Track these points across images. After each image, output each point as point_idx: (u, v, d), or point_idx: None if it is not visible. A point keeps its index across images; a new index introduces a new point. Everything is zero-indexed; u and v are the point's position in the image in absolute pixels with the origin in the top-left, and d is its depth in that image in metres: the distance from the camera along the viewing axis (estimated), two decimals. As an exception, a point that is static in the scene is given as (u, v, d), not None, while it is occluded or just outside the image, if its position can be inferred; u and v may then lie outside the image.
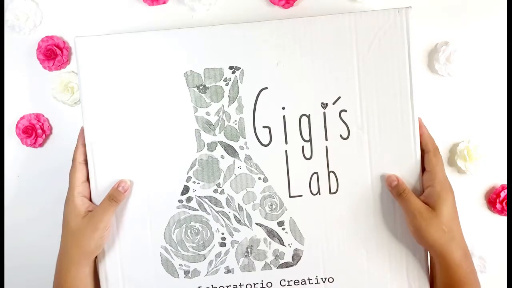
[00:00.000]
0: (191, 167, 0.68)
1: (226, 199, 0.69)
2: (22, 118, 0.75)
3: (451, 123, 0.75)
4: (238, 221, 0.69)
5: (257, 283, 0.69)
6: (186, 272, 0.69)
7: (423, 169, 0.67)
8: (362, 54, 0.66)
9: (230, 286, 0.70)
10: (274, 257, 0.69)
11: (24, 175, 0.76)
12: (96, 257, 0.68)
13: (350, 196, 0.68)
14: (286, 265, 0.69)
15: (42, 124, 0.75)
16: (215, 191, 0.69)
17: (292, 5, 0.74)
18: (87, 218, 0.65)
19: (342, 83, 0.67)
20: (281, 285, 0.69)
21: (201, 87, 0.67)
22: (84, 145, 0.67)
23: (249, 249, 0.69)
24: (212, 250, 0.69)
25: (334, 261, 0.69)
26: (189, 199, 0.69)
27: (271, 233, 0.69)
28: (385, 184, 0.67)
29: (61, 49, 0.74)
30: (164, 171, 0.68)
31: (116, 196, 0.66)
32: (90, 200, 0.68)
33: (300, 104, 0.67)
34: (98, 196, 0.68)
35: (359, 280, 0.69)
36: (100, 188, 0.68)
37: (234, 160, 0.68)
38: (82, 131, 0.68)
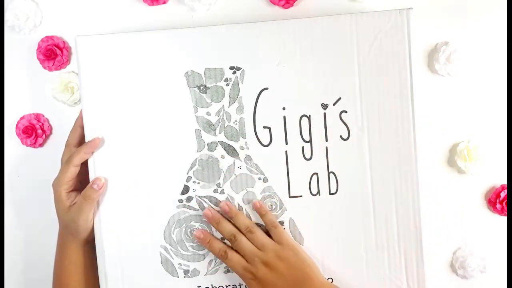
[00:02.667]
0: (191, 167, 0.68)
1: (226, 199, 0.69)
2: (22, 118, 0.75)
3: (451, 123, 0.75)
4: (238, 221, 0.69)
5: (257, 283, 0.70)
6: (186, 272, 0.69)
7: None
8: (362, 55, 0.66)
9: (229, 286, 0.70)
10: (274, 258, 0.69)
11: (24, 175, 0.76)
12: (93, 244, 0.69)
13: (350, 197, 0.68)
14: (286, 265, 0.69)
15: (42, 124, 0.75)
16: (215, 191, 0.69)
17: (292, 5, 0.73)
18: (70, 213, 0.67)
19: (343, 84, 0.67)
20: (280, 285, 0.69)
21: (201, 87, 0.67)
22: (88, 154, 0.67)
23: (249, 249, 0.69)
24: (212, 250, 0.69)
25: (333, 261, 0.69)
26: (189, 199, 0.69)
27: (271, 234, 0.69)
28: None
29: (61, 49, 0.74)
30: (164, 171, 0.68)
31: (91, 194, 0.66)
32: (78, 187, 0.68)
33: (300, 104, 0.67)
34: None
35: (358, 280, 0.69)
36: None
37: (234, 160, 0.68)
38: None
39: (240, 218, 0.67)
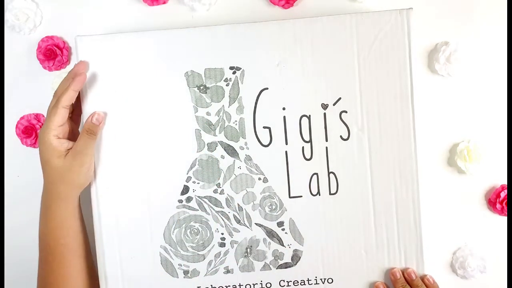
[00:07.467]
0: (191, 167, 0.68)
1: (226, 199, 0.69)
2: (22, 118, 0.75)
3: (451, 123, 0.75)
4: (238, 222, 0.69)
5: (256, 284, 0.69)
6: (186, 272, 0.69)
7: None
8: (362, 55, 0.66)
9: (229, 286, 0.70)
10: (273, 258, 0.69)
11: (24, 175, 0.76)
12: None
13: (350, 197, 0.68)
14: (286, 265, 0.69)
15: (42, 124, 0.75)
16: (215, 191, 0.69)
17: (292, 5, 0.73)
18: (70, 156, 0.64)
19: (343, 84, 0.67)
20: (280, 285, 0.69)
21: (201, 87, 0.67)
22: (76, 92, 0.64)
23: (248, 250, 0.69)
24: (211, 250, 0.69)
25: (333, 261, 0.69)
26: (189, 199, 0.69)
27: (270, 234, 0.69)
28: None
29: (61, 49, 0.74)
30: (164, 171, 0.68)
31: (92, 128, 0.65)
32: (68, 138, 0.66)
33: (300, 104, 0.67)
34: (99, 196, 0.68)
35: (358, 280, 0.69)
36: (100, 187, 0.68)
37: (234, 160, 0.68)
38: (77, 74, 0.64)
39: None
